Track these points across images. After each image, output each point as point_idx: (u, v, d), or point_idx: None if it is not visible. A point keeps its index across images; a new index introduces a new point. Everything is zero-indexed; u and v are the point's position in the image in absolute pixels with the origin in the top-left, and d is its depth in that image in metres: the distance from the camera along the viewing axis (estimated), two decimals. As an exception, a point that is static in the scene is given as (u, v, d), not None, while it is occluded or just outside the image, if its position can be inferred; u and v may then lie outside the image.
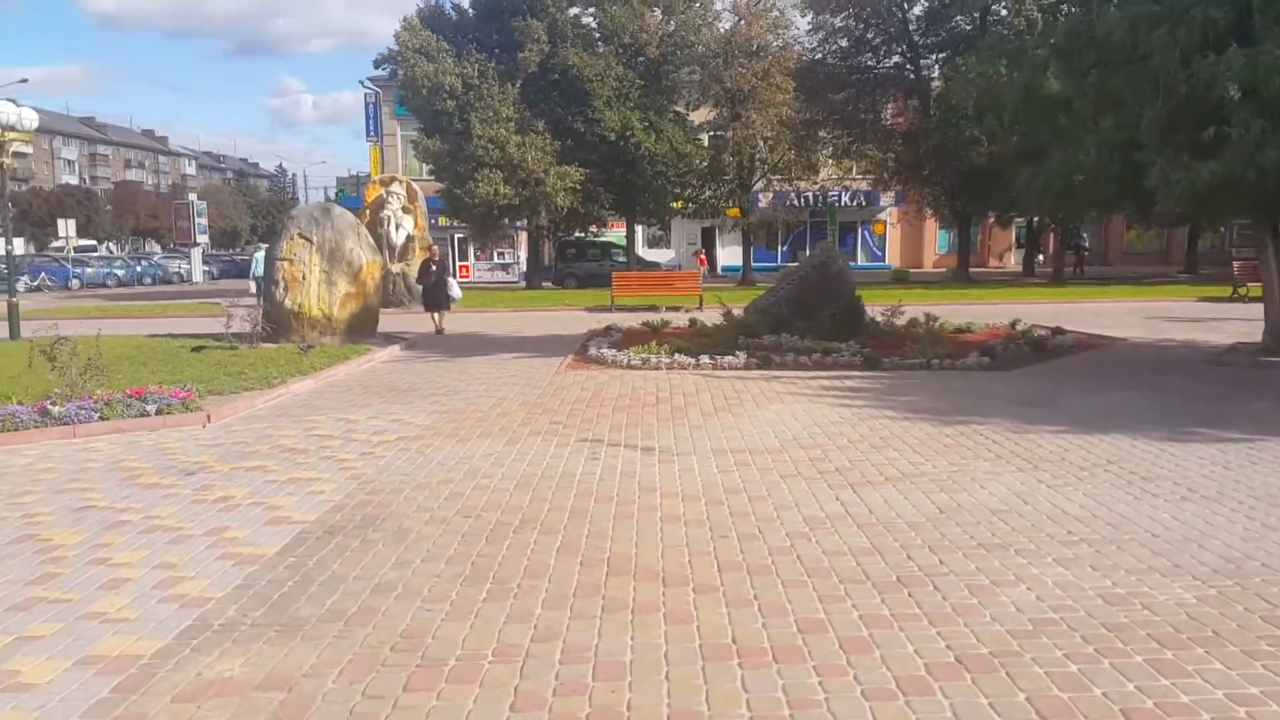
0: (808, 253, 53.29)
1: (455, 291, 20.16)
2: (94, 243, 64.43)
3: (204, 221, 48.03)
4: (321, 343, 15.99)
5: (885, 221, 52.55)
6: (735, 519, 5.78)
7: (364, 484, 6.71)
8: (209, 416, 9.13)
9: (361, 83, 48.46)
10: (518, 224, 38.47)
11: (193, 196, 59.18)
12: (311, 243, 16.45)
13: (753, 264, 39.36)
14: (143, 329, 19.54)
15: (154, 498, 6.41)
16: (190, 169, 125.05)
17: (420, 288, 21.41)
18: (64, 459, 7.68)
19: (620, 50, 33.34)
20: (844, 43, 36.84)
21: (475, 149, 30.70)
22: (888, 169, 36.60)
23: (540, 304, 27.18)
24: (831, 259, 16.88)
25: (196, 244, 49.60)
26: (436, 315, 19.15)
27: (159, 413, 9.00)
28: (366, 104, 50.12)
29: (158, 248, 73.08)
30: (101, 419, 8.73)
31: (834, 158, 38.01)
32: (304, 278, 16.35)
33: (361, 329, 16.74)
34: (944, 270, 43.70)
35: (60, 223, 43.52)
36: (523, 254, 44.76)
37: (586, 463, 7.26)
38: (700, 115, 36.94)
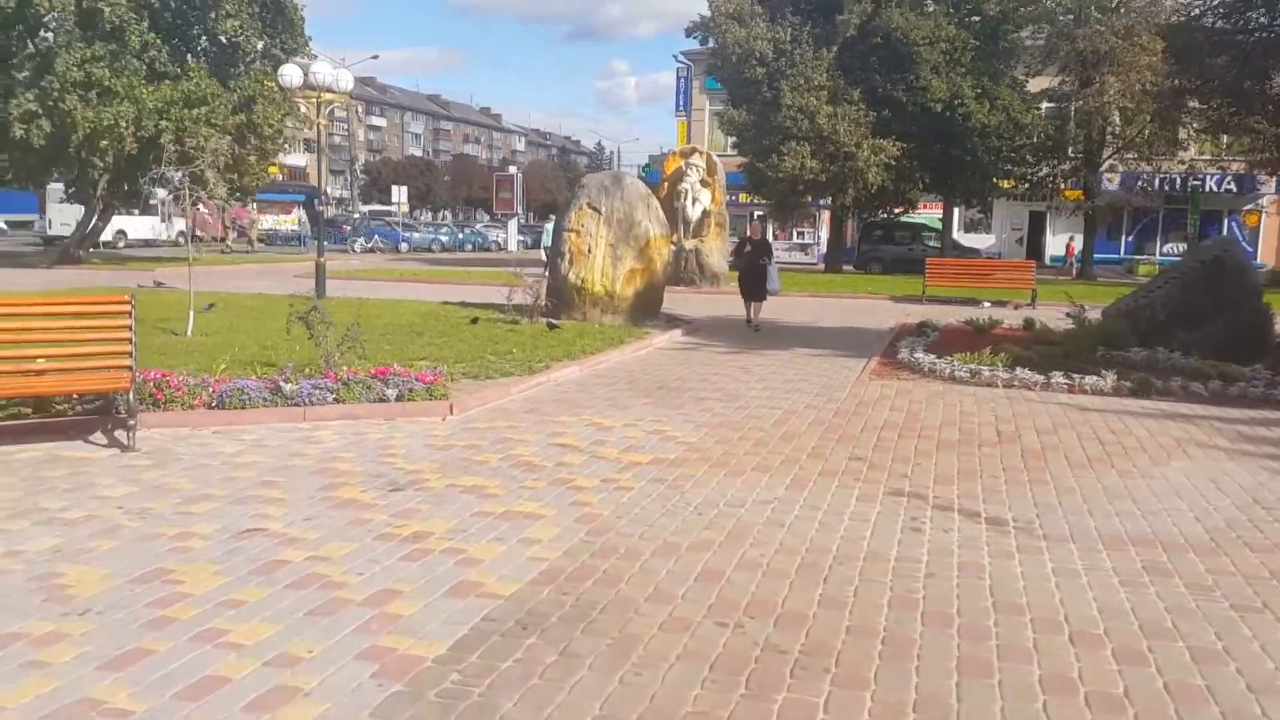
0: (1159, 245, 46.50)
1: (774, 283, 15.96)
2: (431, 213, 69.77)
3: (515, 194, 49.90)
4: (602, 321, 14.79)
5: (1260, 212, 43.98)
6: (1180, 702, 3.35)
7: (595, 533, 4.97)
8: (451, 407, 7.90)
9: (675, 56, 48.05)
10: (821, 202, 35.97)
11: (513, 169, 62.16)
12: (600, 213, 15.24)
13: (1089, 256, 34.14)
14: (441, 294, 19.56)
15: (337, 525, 5.06)
16: (519, 145, 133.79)
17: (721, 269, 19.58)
18: (276, 449, 6.66)
19: (952, 9, 29.66)
20: (1230, -4, 30.41)
21: (783, 120, 28.58)
22: (1278, 147, 29.85)
23: (841, 290, 24.69)
24: (1229, 253, 13.00)
25: (514, 214, 51.90)
26: (750, 306, 15.59)
27: (399, 398, 7.90)
28: (678, 78, 49.70)
29: (486, 217, 78.35)
30: (336, 401, 7.75)
31: (1207, 132, 31.69)
32: (589, 250, 15.20)
33: (645, 309, 15.34)
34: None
35: (394, 189, 46.97)
36: (823, 234, 42.18)
37: (904, 536, 5.04)
38: (1038, 84, 32.28)
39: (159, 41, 25.76)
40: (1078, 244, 35.46)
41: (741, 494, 5.73)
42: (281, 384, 7.72)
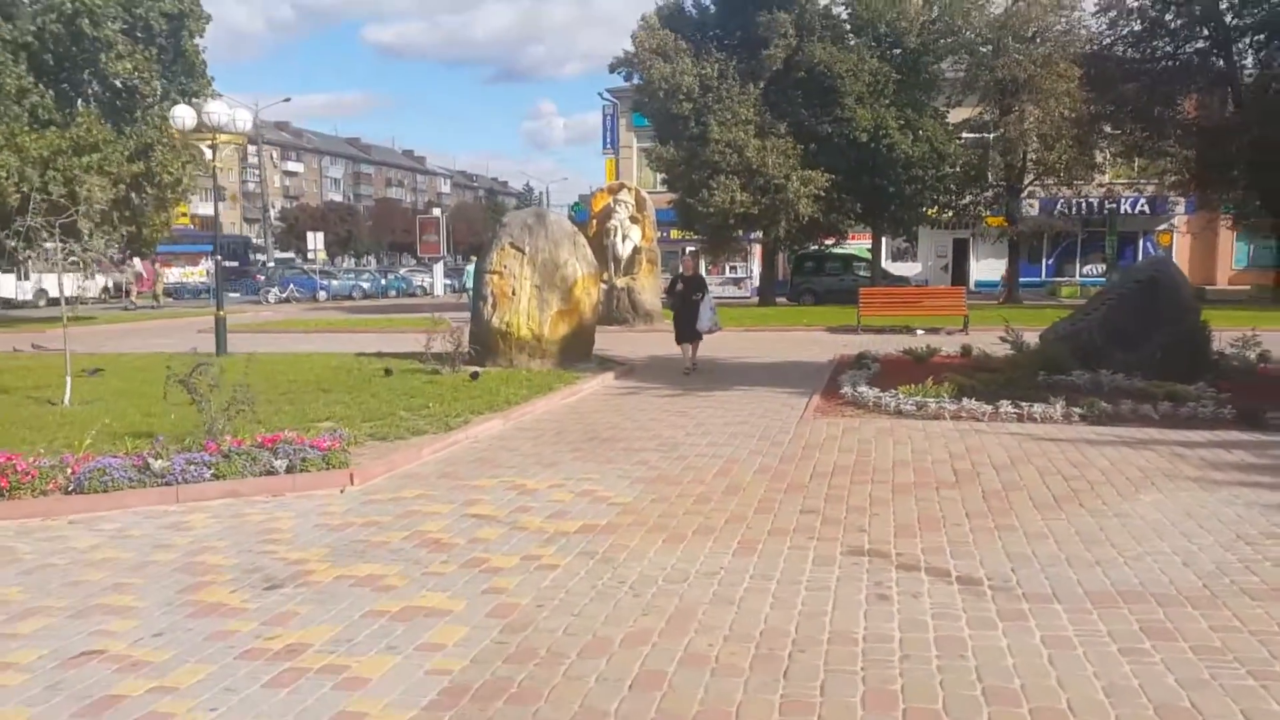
0: (1078, 266, 47.49)
1: (708, 321, 14.10)
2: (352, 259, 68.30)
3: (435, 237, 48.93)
4: (530, 367, 14.00)
5: (1172, 232, 45.28)
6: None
7: (511, 630, 4.16)
8: (352, 476, 7.01)
9: (600, 94, 47.95)
10: (752, 235, 35.81)
11: (436, 210, 61.20)
12: (523, 253, 14.49)
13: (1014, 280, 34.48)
14: (358, 344, 18.55)
15: (194, 640, 4.16)
16: (445, 187, 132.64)
17: (662, 304, 18.63)
18: (139, 541, 5.70)
19: (874, 42, 29.88)
20: (1137, 25, 31.28)
21: (712, 154, 28.30)
22: (1189, 170, 30.61)
23: (776, 323, 24.29)
24: (1163, 273, 12.81)
25: (440, 257, 50.82)
26: (686, 347, 14.31)
27: (290, 470, 6.98)
28: (604, 115, 49.61)
29: (413, 261, 76.91)
30: (216, 477, 6.80)
31: (1122, 157, 32.38)
32: (514, 293, 14.41)
33: (574, 352, 14.58)
34: (1246, 288, 36.43)
35: (309, 235, 45.57)
36: (756, 267, 42.06)
37: (871, 607, 4.34)
38: (959, 114, 32.68)
39: (40, 86, 24.39)
40: (978, 269, 35.92)
41: (683, 564, 4.98)
42: (151, 461, 6.74)
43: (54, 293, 38.56)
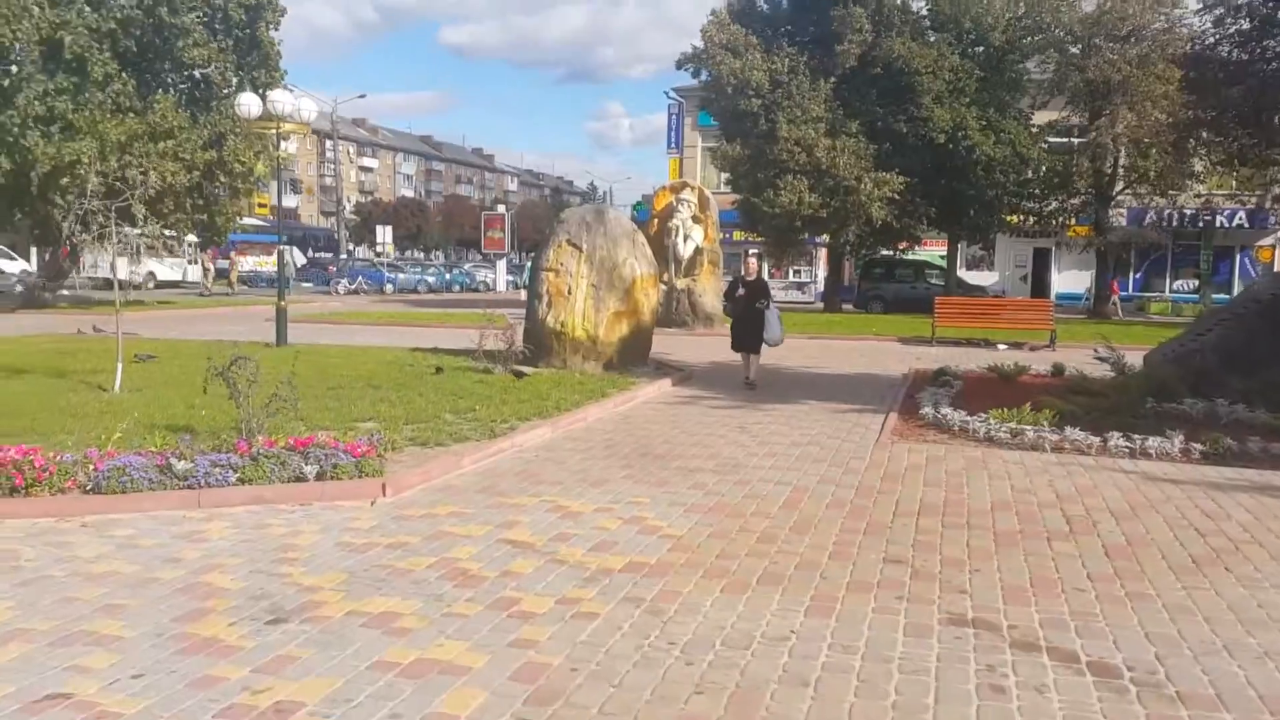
0: (1169, 281, 45.21)
1: (774, 331, 12.62)
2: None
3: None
4: (583, 369, 13.34)
5: (1273, 247, 42.82)
6: None
7: (537, 701, 3.44)
8: (384, 487, 6.37)
9: (666, 93, 47.29)
10: (818, 239, 34.71)
11: (501, 207, 61.14)
12: (581, 251, 13.83)
13: (1103, 293, 32.84)
14: (416, 338, 18.12)
15: (175, 687, 3.53)
16: (512, 185, 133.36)
17: (723, 310, 17.54)
18: (148, 552, 5.13)
19: (955, 39, 28.61)
20: (1245, 23, 29.33)
21: (780, 153, 27.35)
22: (1299, 180, 28.68)
23: (843, 331, 23.26)
24: (1288, 292, 11.61)
25: (504, 254, 50.65)
26: (747, 359, 12.83)
27: (320, 477, 6.38)
28: (669, 115, 48.87)
29: (479, 257, 77.13)
30: (241, 481, 6.23)
31: (1223, 165, 30.47)
32: (569, 291, 13.76)
33: (631, 355, 13.88)
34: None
35: (379, 229, 45.69)
36: (820, 272, 40.91)
37: (984, 701, 3.51)
38: (1043, 117, 31.16)
39: (123, 74, 24.53)
40: (1059, 281, 34.21)
41: (746, 623, 4.21)
42: (174, 461, 6.20)
43: (162, 275, 40.11)
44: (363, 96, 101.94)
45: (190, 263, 42.02)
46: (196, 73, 26.65)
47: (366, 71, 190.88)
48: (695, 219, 23.81)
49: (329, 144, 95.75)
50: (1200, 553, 5.34)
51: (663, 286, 23.42)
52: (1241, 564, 5.17)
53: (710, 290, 23.59)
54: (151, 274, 40.77)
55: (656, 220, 24.14)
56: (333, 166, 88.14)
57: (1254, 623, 4.32)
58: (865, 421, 9.69)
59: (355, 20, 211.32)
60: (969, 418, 9.06)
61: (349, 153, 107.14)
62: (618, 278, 13.76)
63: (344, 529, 5.60)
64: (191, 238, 32.27)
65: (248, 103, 16.05)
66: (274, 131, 16.15)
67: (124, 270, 15.52)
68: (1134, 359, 11.84)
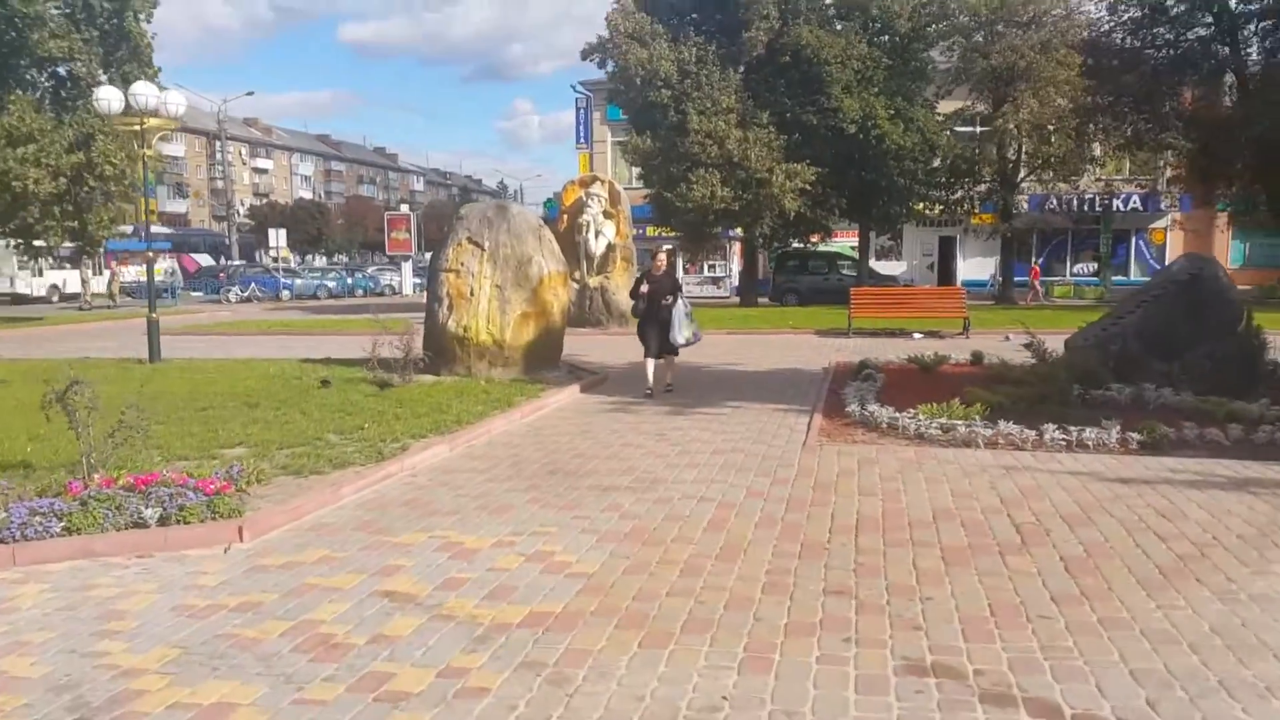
0: (1069, 265, 46.34)
1: (680, 332, 11.13)
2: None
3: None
4: (490, 376, 12.47)
5: (1165, 229, 44.28)
6: None
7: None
8: (241, 531, 5.44)
9: (573, 87, 46.37)
10: (731, 232, 34.34)
11: (405, 207, 59.45)
12: (483, 249, 12.95)
13: (1000, 278, 33.25)
14: (309, 348, 16.92)
15: None
16: (418, 185, 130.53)
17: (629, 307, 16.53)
18: (-86, 639, 4.13)
19: (863, 27, 28.48)
20: (1137, 11, 30.07)
21: (691, 145, 26.79)
22: (1190, 164, 29.42)
23: (760, 325, 22.83)
24: (1206, 270, 11.44)
25: (409, 256, 49.01)
26: (652, 364, 11.26)
27: (164, 521, 5.41)
28: (577, 109, 48.07)
29: (385, 259, 74.78)
30: (68, 531, 5.23)
31: (1123, 150, 31.14)
32: (472, 293, 12.87)
33: (540, 359, 13.05)
34: (1248, 288, 35.47)
35: (271, 233, 43.58)
36: (735, 266, 40.65)
37: (958, 780, 2.85)
38: (948, 107, 31.35)
39: (-32, 73, 22.57)
40: (965, 268, 34.67)
41: (669, 689, 3.46)
42: (-23, 512, 5.16)
43: (69, 289, 37.84)
44: (250, 94, 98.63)
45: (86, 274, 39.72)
46: (60, 69, 24.70)
47: (261, 71, 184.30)
48: (606, 214, 23.07)
49: (218, 145, 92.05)
50: (1165, 562, 4.81)
51: (574, 285, 22.63)
52: (1211, 573, 4.65)
53: (624, 288, 22.75)
54: (55, 287, 39.13)
55: (566, 216, 23.32)
56: (222, 169, 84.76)
57: (1245, 649, 3.77)
58: (790, 422, 9.08)
59: (249, 17, 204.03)
60: (897, 414, 8.52)
61: (241, 154, 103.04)
62: (524, 277, 12.92)
63: (186, 587, 4.66)
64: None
65: (107, 97, 14.65)
66: (138, 128, 14.73)
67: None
68: (1051, 344, 11.53)
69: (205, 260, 51.79)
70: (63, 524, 5.24)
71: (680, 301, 11.24)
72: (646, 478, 6.79)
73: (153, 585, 4.70)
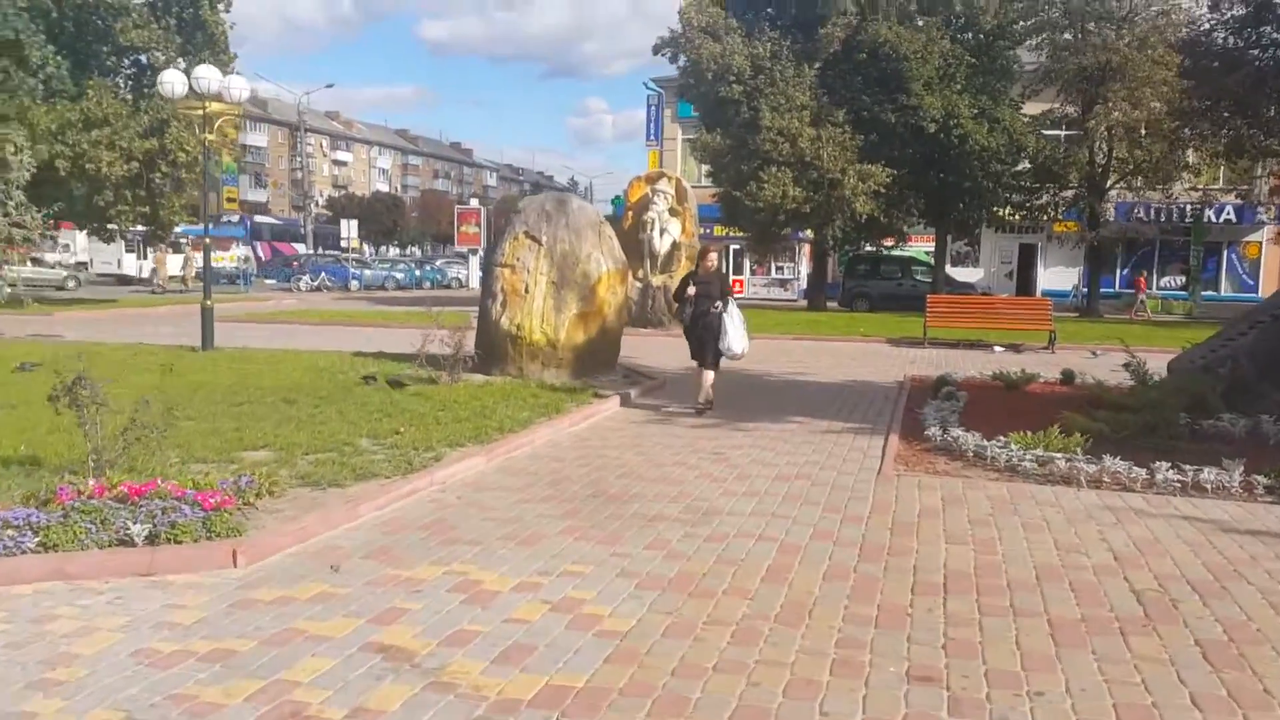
0: (1157, 278, 44.01)
1: (733, 342, 9.89)
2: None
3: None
4: (542, 377, 11.83)
5: (1260, 243, 41.79)
6: None
7: None
8: (236, 554, 4.81)
9: (645, 84, 45.67)
10: (801, 233, 33.31)
11: (474, 200, 59.44)
12: (540, 244, 12.30)
13: (1086, 289, 31.59)
14: (365, 340, 16.52)
15: None
16: (491, 180, 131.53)
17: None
18: None
19: (945, 23, 27.22)
20: (1240, 9, 28.18)
21: (762, 143, 25.89)
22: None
23: (828, 331, 21.83)
24: (1336, 291, 10.24)
25: (477, 249, 48.95)
26: (700, 374, 10.08)
27: (152, 539, 4.82)
28: (648, 106, 47.41)
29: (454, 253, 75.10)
30: (42, 547, 4.67)
31: (1222, 157, 29.23)
32: (526, 290, 12.23)
33: (596, 361, 12.37)
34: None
35: (343, 224, 43.78)
36: (804, 269, 39.54)
37: None
38: (1034, 107, 29.84)
39: (58, 58, 22.68)
40: (1045, 278, 32.95)
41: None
42: (-57, 524, 4.63)
43: (175, 270, 38.66)
44: (331, 86, 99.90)
45: (139, 258, 40.81)
46: (141, 57, 24.87)
47: (343, 66, 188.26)
48: (672, 211, 22.31)
49: (298, 136, 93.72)
50: (1337, 653, 3.88)
51: (637, 284, 21.96)
52: (1402, 675, 3.70)
53: (687, 288, 22.10)
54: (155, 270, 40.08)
55: (631, 213, 22.63)
56: (300, 160, 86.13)
57: None
58: (862, 444, 8.21)
59: (332, 15, 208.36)
60: (985, 442, 7.59)
61: (322, 146, 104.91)
62: (581, 274, 12.24)
63: (157, 624, 4.04)
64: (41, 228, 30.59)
65: (171, 80, 14.38)
66: (201, 113, 14.45)
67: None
68: (1149, 365, 10.43)
69: (301, 249, 52.59)
70: (38, 539, 4.68)
71: (732, 306, 10.04)
72: (699, 507, 6.02)
73: (120, 620, 4.08)
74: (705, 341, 9.99)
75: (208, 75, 14.09)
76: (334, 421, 8.43)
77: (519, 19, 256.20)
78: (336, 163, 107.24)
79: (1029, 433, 7.57)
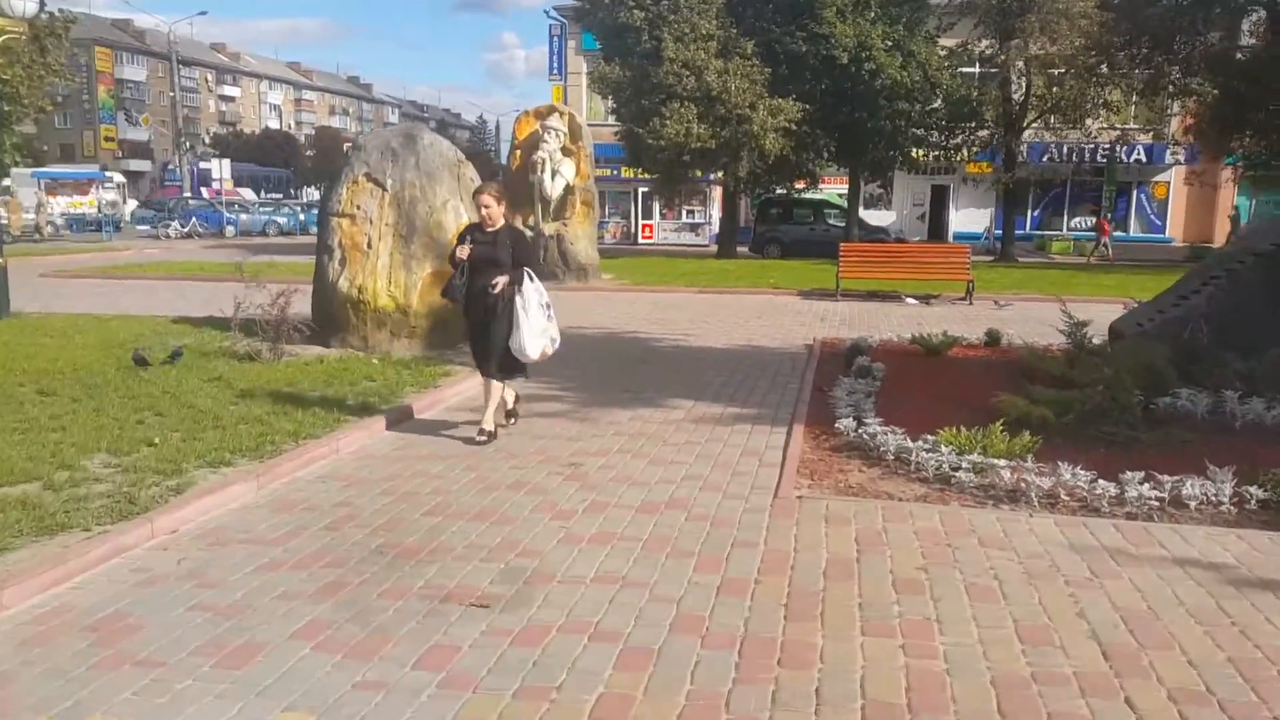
0: (1066, 219, 43.63)
1: (526, 342, 6.47)
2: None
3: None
4: (390, 350, 9.93)
5: (1168, 183, 41.72)
6: None
7: None
8: None
9: (547, 13, 42.80)
10: (709, 175, 31.53)
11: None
12: (385, 190, 10.27)
13: (1000, 231, 30.68)
14: (197, 302, 14.19)
15: None
16: (393, 117, 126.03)
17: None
18: None
19: (860, -55, 25.45)
20: (1160, -62, 27.10)
21: (665, 76, 23.87)
22: (1220, 112, 26.68)
23: (735, 281, 20.22)
24: (1294, 242, 8.95)
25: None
26: (496, 387, 6.76)
27: None
28: (550, 37, 44.68)
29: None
30: None
31: (1143, 95, 28.32)
32: (369, 245, 10.22)
33: (454, 330, 10.45)
34: (1260, 249, 32.96)
35: (215, 163, 40.19)
36: (715, 213, 37.87)
37: None
38: (947, 41, 28.41)
39: None
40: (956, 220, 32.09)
41: None
42: None
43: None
44: (204, 13, 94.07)
45: None
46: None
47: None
48: (565, 151, 20.19)
49: (186, 71, 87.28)
50: None
51: (528, 231, 19.98)
52: None
53: (584, 236, 20.17)
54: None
55: (519, 152, 20.48)
56: (193, 96, 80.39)
57: None
58: (759, 443, 6.56)
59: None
60: (909, 443, 6.01)
61: (207, 80, 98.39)
62: (435, 224, 10.27)
63: None
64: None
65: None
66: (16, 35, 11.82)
67: None
68: (1097, 330, 9.08)
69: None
70: None
71: (532, 285, 6.49)
72: (522, 569, 4.27)
73: None
74: (489, 334, 6.52)
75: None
76: (81, 425, 6.42)
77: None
78: (224, 98, 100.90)
79: (962, 429, 6.01)
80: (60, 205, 37.77)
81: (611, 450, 6.30)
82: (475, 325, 6.69)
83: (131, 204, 42.80)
